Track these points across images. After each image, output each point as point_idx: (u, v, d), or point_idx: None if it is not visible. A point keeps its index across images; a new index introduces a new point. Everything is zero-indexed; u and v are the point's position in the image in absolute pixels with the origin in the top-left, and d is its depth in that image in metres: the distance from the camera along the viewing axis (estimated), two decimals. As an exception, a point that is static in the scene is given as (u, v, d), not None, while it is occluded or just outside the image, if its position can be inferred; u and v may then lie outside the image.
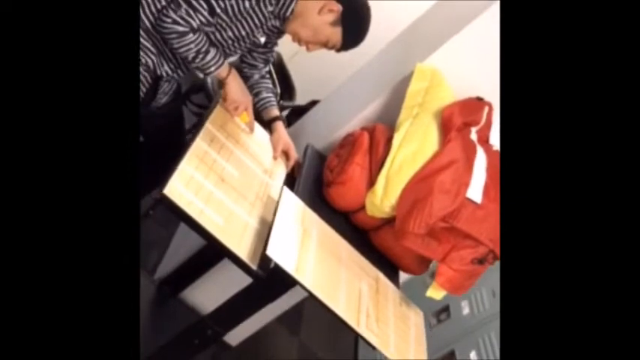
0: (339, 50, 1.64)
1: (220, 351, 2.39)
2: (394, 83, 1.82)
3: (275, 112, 1.87)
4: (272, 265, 1.40)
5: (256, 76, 1.88)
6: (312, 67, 3.03)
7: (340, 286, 1.50)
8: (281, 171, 1.82)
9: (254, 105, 1.83)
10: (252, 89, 1.86)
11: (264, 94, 1.88)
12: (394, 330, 1.59)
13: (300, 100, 2.78)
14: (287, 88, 2.34)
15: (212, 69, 1.61)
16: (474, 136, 1.61)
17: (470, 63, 1.70)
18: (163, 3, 1.52)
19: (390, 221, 1.68)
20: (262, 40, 1.75)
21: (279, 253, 1.36)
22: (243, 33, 1.63)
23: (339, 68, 3.11)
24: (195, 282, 2.19)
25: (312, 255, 1.48)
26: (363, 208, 1.69)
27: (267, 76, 1.92)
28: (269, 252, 1.34)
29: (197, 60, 1.57)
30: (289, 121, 2.48)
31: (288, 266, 1.37)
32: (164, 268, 2.39)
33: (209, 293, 2.17)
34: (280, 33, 1.75)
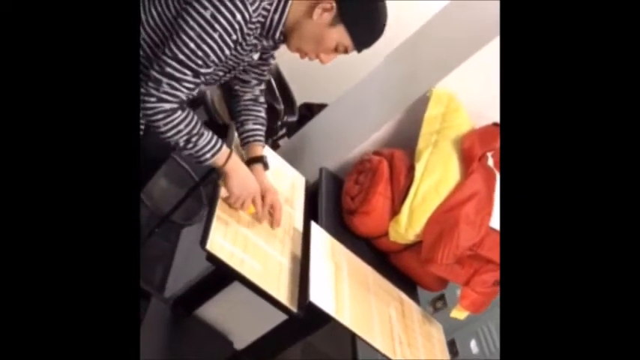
0: (359, 50, 1.40)
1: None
2: (406, 105, 1.85)
3: (258, 150, 1.62)
4: (307, 302, 1.44)
5: (247, 97, 1.65)
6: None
7: (373, 317, 1.56)
8: (298, 197, 1.84)
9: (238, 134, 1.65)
10: (240, 115, 1.64)
11: (251, 126, 1.63)
12: (423, 352, 1.67)
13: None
14: (287, 103, 2.34)
15: (207, 155, 1.39)
16: (490, 162, 1.67)
17: (482, 86, 1.74)
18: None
19: (410, 245, 1.74)
20: (255, 57, 1.56)
21: (321, 298, 1.41)
22: (232, 64, 1.48)
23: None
24: (209, 300, 2.21)
25: (346, 291, 1.53)
26: (385, 234, 1.74)
27: (262, 99, 1.68)
28: (312, 299, 1.38)
29: (189, 145, 1.36)
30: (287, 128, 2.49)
31: (330, 309, 1.42)
32: (173, 285, 2.40)
33: (226, 311, 2.19)
34: (275, 47, 1.56)
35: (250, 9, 1.25)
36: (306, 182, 1.93)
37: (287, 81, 2.46)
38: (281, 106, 2.23)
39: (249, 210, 1.53)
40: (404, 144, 1.82)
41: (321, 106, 2.92)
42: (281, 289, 1.47)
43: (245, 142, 1.64)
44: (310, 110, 2.84)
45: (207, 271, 2.22)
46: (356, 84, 2.25)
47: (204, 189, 2.56)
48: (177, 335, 2.20)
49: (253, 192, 1.51)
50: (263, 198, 1.55)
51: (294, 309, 1.45)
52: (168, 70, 1.27)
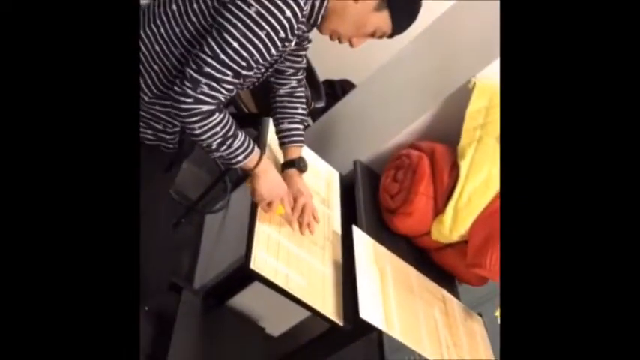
0: (390, 36, 1.34)
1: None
2: (444, 95, 1.75)
3: (294, 153, 1.53)
4: (357, 318, 1.39)
5: (283, 91, 1.54)
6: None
7: (420, 322, 1.53)
8: (334, 195, 1.78)
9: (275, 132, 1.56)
10: (275, 113, 1.55)
11: (287, 125, 1.53)
12: (468, 350, 1.64)
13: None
14: (314, 87, 2.22)
15: (240, 158, 1.31)
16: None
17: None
18: (170, 78, 1.24)
19: (452, 243, 1.68)
20: (292, 44, 1.42)
21: (370, 313, 1.37)
22: (275, 58, 1.37)
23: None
24: (241, 291, 2.18)
25: (392, 298, 1.49)
26: (426, 233, 1.68)
27: (299, 91, 1.56)
28: (362, 315, 1.34)
29: (223, 148, 1.27)
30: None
31: (380, 323, 1.38)
32: (203, 275, 2.37)
33: (257, 299, 2.16)
34: (310, 29, 1.46)
35: (301, 2, 1.15)
36: (339, 175, 1.86)
37: (312, 63, 2.34)
38: (307, 92, 2.12)
39: (279, 211, 1.47)
40: (443, 137, 1.74)
41: (343, 83, 2.82)
42: (327, 302, 1.43)
43: (281, 144, 1.57)
44: (332, 88, 2.74)
45: (238, 261, 2.19)
46: (384, 66, 2.14)
47: (228, 175, 2.49)
48: (210, 325, 2.19)
49: (281, 194, 1.45)
50: (295, 201, 1.50)
51: (340, 322, 1.42)
52: (208, 69, 1.17)
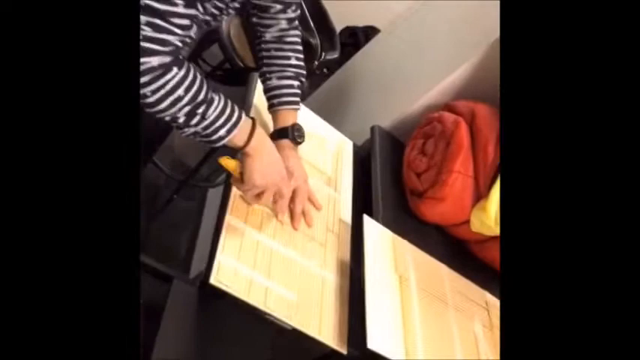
0: None
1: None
2: (487, 43, 1.34)
3: (289, 118, 1.16)
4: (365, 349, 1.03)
5: (270, 36, 1.16)
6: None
7: (455, 344, 1.15)
8: (345, 172, 1.39)
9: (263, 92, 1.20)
10: (262, 65, 1.18)
11: (275, 82, 1.16)
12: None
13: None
14: (326, 35, 1.80)
15: (221, 132, 0.94)
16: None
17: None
18: None
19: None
20: None
21: (383, 340, 1.00)
22: None
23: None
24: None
25: (417, 314, 1.11)
26: (464, 222, 1.28)
27: (290, 35, 1.18)
28: (370, 345, 0.98)
29: (194, 120, 0.91)
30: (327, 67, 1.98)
31: (396, 354, 1.01)
32: (202, 259, 2.05)
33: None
34: None
35: None
36: (353, 146, 1.47)
37: (323, 4, 1.91)
38: (317, 41, 1.71)
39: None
40: (486, 95, 1.34)
41: (367, 30, 2.38)
42: (325, 321, 1.07)
43: (270, 105, 1.18)
44: (355, 36, 2.30)
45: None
46: (412, 8, 1.71)
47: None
48: (209, 319, 1.89)
49: (279, 182, 1.07)
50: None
51: (343, 350, 1.05)
52: (145, 1, 0.80)
